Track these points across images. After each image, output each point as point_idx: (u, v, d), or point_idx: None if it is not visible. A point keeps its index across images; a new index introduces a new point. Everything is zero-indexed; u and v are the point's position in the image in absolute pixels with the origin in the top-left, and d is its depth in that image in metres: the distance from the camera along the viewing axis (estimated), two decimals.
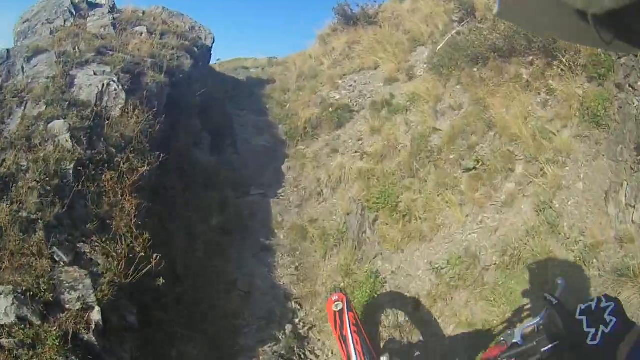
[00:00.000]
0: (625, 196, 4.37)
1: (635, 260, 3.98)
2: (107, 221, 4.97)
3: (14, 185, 4.75)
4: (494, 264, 5.10)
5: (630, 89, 4.71)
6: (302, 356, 5.53)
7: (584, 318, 1.87)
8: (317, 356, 5.62)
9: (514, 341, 2.21)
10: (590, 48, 5.08)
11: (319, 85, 10.13)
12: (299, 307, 6.24)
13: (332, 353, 5.58)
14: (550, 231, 4.84)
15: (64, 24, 8.44)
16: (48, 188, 4.79)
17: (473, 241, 5.48)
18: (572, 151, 5.26)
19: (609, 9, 0.77)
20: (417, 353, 4.75)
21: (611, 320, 1.80)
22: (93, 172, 5.19)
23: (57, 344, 3.56)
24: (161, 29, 9.33)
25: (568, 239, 4.68)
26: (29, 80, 6.54)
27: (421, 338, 5.11)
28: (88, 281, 4.17)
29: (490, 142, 6.26)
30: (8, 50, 7.39)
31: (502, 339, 2.32)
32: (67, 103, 6.02)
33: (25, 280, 3.91)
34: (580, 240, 4.58)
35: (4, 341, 3.53)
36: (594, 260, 4.35)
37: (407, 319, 5.39)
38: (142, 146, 6.06)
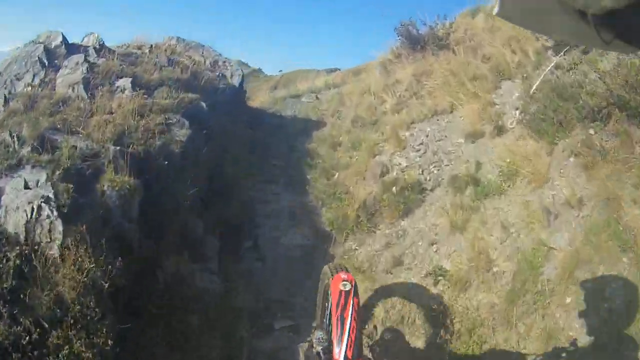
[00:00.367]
0: None
1: None
2: None
3: None
4: None
5: None
6: None
7: None
8: None
9: None
10: None
11: (379, 141, 7.88)
12: None
13: None
14: None
15: (32, 80, 6.42)
16: None
17: None
18: None
19: (609, 9, 0.78)
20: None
21: None
22: None
23: None
24: (158, 76, 7.19)
25: None
26: None
27: None
28: None
29: (621, 275, 3.91)
30: None
31: None
32: None
33: None
34: None
35: None
36: None
37: None
38: (90, 312, 3.70)
